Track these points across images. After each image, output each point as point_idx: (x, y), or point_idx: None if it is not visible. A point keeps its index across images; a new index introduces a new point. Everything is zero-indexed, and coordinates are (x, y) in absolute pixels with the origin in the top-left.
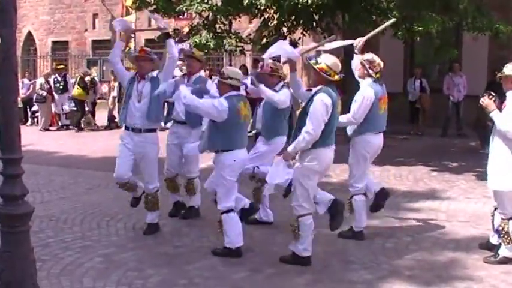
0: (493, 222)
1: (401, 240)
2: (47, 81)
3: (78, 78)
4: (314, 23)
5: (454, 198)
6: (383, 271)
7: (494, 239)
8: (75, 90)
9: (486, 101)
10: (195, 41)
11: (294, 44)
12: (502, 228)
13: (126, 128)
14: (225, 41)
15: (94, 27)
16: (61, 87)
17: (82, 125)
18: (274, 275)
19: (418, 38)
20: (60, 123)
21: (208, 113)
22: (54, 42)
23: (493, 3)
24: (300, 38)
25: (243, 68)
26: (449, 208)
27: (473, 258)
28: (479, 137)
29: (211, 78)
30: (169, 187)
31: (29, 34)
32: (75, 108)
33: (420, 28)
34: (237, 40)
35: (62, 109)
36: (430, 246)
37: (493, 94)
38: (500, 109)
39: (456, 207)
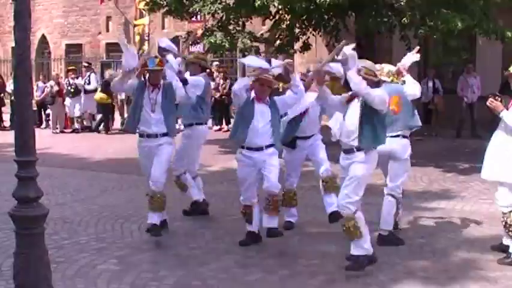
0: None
1: (415, 241)
2: (58, 84)
3: (102, 82)
4: (323, 24)
5: (468, 200)
6: (397, 272)
7: (508, 241)
8: (98, 94)
9: (494, 103)
10: (210, 42)
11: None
12: (505, 222)
13: (141, 135)
14: (239, 40)
15: (108, 30)
16: (72, 90)
17: (99, 128)
18: (288, 277)
19: (435, 36)
20: (72, 127)
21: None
22: (68, 45)
23: (502, 6)
24: (309, 37)
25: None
26: (463, 209)
27: (488, 259)
28: None
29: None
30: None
31: (43, 37)
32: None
33: (442, 26)
34: (251, 40)
35: (74, 112)
36: (444, 247)
37: (499, 95)
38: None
39: (470, 209)
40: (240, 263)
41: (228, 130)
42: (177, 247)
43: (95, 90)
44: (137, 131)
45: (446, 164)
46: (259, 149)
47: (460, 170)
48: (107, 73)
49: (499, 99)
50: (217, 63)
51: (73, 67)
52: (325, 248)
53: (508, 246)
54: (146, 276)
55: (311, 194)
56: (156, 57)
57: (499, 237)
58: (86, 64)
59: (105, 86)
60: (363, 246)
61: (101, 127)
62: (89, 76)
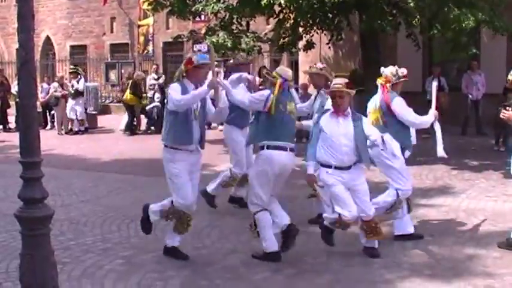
0: None
1: (422, 239)
2: (61, 85)
3: (130, 83)
4: (330, 23)
5: (474, 197)
6: (403, 270)
7: None
8: (127, 95)
9: (507, 114)
10: (212, 41)
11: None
12: None
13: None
14: (242, 40)
15: (112, 31)
16: (72, 91)
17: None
18: (295, 276)
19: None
20: (73, 129)
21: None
22: (72, 47)
23: (508, 2)
24: (312, 35)
25: (264, 69)
26: (469, 207)
27: (494, 256)
28: (495, 135)
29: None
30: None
31: (48, 38)
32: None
33: (455, 24)
34: (254, 40)
35: (76, 114)
36: (450, 244)
37: (510, 105)
38: None
39: (476, 206)
40: (246, 262)
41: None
42: (183, 247)
43: (80, 94)
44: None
45: (452, 162)
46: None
47: (466, 167)
48: (136, 74)
49: (510, 109)
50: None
51: (74, 69)
52: (331, 248)
53: None
54: (152, 276)
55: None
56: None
57: (504, 234)
58: (71, 68)
59: (134, 87)
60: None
61: (122, 127)
62: (78, 81)
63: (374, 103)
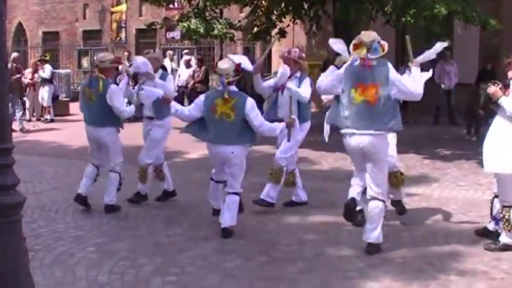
0: (491, 208)
1: (393, 227)
2: (34, 72)
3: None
4: (303, 11)
5: (445, 186)
6: (375, 259)
7: (490, 226)
8: None
9: (493, 88)
10: (184, 26)
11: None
12: (503, 216)
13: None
14: (214, 27)
15: (85, 18)
16: (39, 79)
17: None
18: (267, 263)
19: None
20: (44, 117)
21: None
22: (44, 33)
23: None
24: (288, 25)
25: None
26: (441, 196)
27: (465, 245)
28: (467, 125)
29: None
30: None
31: (20, 25)
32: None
33: (427, 12)
34: (227, 27)
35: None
36: (422, 233)
37: (498, 82)
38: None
39: (448, 195)
40: (218, 250)
41: None
42: (155, 235)
43: (47, 81)
44: None
45: (424, 151)
46: None
47: (438, 156)
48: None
49: (498, 86)
50: (186, 51)
51: (41, 57)
52: (303, 236)
53: (491, 232)
54: (124, 264)
55: None
56: None
57: (476, 223)
58: (39, 56)
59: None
60: None
61: None
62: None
63: None
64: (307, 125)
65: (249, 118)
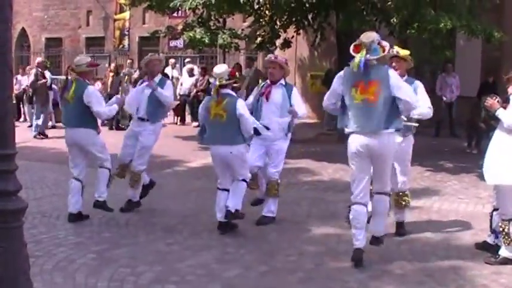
0: (491, 222)
1: (393, 239)
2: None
3: (114, 77)
4: (307, 22)
5: (446, 199)
6: (375, 270)
7: (490, 239)
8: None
9: (490, 101)
10: (189, 36)
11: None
12: (503, 230)
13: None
14: (219, 36)
15: (88, 24)
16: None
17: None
18: (267, 273)
19: (423, 36)
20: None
21: None
22: (47, 39)
23: (487, 5)
24: (293, 37)
25: (237, 66)
26: (441, 208)
27: (465, 258)
28: (468, 137)
29: (204, 76)
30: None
31: (23, 31)
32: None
33: (431, 26)
34: (231, 36)
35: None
36: (422, 245)
37: (497, 96)
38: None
39: (448, 207)
40: (219, 259)
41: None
42: (155, 243)
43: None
44: None
45: (425, 163)
46: None
47: (438, 169)
48: (127, 70)
49: (496, 99)
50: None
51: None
52: (303, 246)
53: (491, 246)
54: (124, 271)
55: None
56: None
57: (476, 236)
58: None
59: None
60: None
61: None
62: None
63: None
64: (289, 135)
65: (242, 119)
